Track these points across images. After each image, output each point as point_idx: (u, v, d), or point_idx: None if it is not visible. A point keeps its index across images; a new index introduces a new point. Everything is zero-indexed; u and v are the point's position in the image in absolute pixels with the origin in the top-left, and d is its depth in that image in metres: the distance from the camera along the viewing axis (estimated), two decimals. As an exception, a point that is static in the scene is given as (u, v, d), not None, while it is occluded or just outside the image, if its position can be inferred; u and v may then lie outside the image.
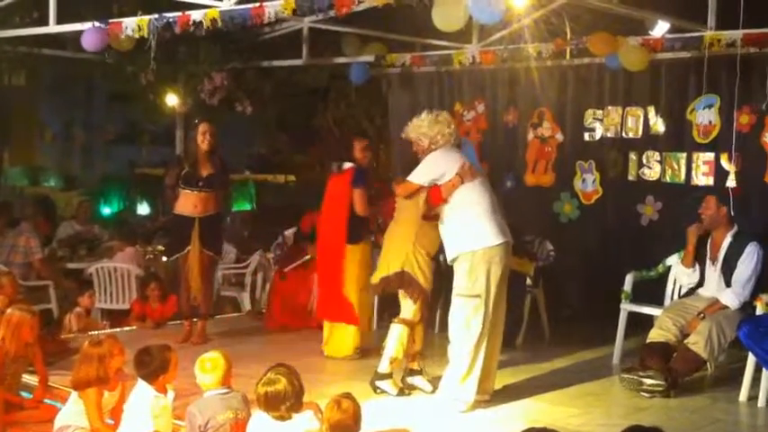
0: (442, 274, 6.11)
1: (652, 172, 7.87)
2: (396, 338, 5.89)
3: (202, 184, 7.11)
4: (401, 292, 5.93)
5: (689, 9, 7.36)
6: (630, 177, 8.01)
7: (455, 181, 5.57)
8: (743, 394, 5.92)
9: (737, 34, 6.77)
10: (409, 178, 5.73)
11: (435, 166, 5.64)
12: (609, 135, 8.16)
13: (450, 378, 5.57)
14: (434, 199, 5.66)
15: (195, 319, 7.34)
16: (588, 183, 8.30)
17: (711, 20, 7.10)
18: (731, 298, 6.14)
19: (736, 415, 5.77)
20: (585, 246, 8.27)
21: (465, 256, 5.50)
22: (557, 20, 7.87)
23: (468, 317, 5.48)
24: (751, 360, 5.88)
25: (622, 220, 8.11)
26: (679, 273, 6.67)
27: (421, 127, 5.76)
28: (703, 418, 5.61)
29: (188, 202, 7.13)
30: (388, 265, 5.95)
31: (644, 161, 7.92)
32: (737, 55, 6.41)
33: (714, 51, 6.99)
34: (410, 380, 6.03)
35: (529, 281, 7.43)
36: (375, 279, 6.10)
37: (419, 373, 6.04)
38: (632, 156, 7.99)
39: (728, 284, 6.21)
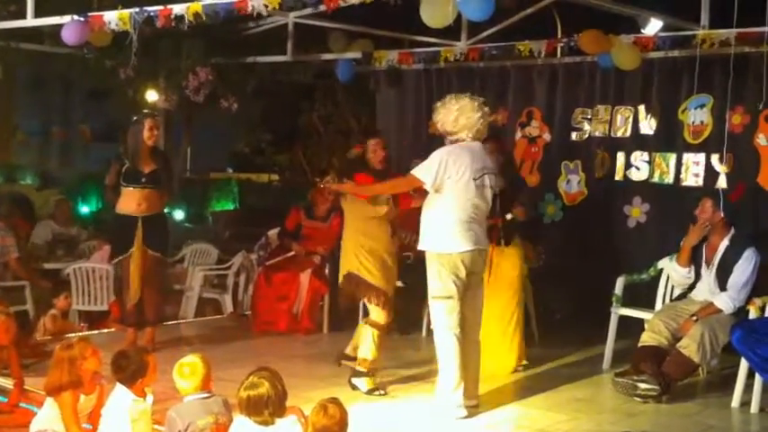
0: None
1: (639, 173, 7.78)
2: (368, 342, 5.95)
3: (146, 180, 6.80)
4: (362, 296, 5.99)
5: (682, 7, 7.32)
6: (617, 178, 7.92)
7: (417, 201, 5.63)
8: (735, 400, 5.86)
9: (731, 33, 6.70)
10: (414, 172, 5.52)
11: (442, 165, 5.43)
12: (597, 134, 8.06)
13: (444, 390, 5.50)
14: (404, 204, 5.83)
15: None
16: (573, 183, 8.21)
17: (705, 18, 7.05)
18: (726, 302, 6.06)
19: (728, 421, 5.72)
20: (571, 248, 8.17)
21: (432, 256, 5.49)
22: (547, 17, 7.80)
23: (446, 318, 5.46)
24: (743, 365, 5.81)
25: (608, 222, 8.00)
26: (673, 272, 6.55)
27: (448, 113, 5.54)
28: (695, 424, 5.56)
29: (131, 201, 6.81)
30: (340, 272, 6.06)
31: (632, 161, 7.82)
32: (731, 54, 6.32)
33: (708, 50, 6.90)
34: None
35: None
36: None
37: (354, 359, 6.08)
38: (620, 156, 7.90)
39: (723, 288, 6.13)
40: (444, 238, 5.45)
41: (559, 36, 7.96)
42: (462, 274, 5.45)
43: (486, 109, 5.59)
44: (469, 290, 5.56)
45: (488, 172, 5.55)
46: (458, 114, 5.47)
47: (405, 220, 6.43)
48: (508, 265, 6.64)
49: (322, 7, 6.44)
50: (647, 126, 7.76)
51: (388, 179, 5.89)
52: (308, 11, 8.33)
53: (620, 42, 7.29)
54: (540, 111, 8.40)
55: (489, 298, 6.42)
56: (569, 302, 8.11)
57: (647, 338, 6.15)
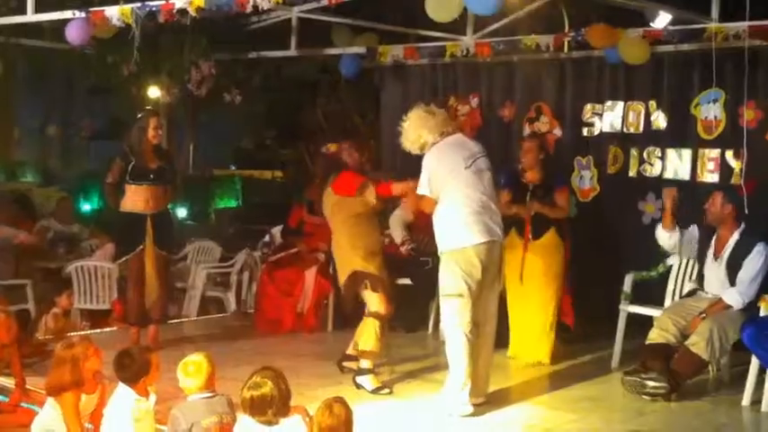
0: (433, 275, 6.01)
1: (653, 168, 7.69)
2: (370, 333, 5.95)
3: (154, 176, 6.77)
4: (364, 290, 6.01)
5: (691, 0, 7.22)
6: (631, 174, 7.82)
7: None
8: (746, 398, 5.80)
9: (743, 26, 6.59)
10: (419, 191, 5.59)
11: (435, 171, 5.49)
12: (608, 130, 7.96)
13: (451, 388, 5.46)
14: (383, 192, 5.93)
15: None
16: (585, 179, 8.12)
17: (715, 11, 6.95)
18: (735, 297, 5.99)
19: (739, 419, 5.68)
20: (584, 245, 8.06)
21: (447, 255, 5.46)
22: (555, 11, 7.71)
23: (457, 316, 5.41)
24: (754, 363, 5.75)
25: (622, 219, 7.90)
26: (659, 236, 6.50)
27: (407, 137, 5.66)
28: (705, 422, 5.51)
29: (139, 198, 6.77)
30: (341, 275, 6.11)
31: (645, 157, 7.73)
32: (745, 48, 6.23)
33: (719, 44, 6.79)
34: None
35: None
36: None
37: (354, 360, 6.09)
38: (633, 152, 7.80)
39: (732, 283, 6.06)
40: (456, 234, 5.41)
41: (567, 30, 7.84)
42: (477, 271, 5.39)
43: (432, 105, 5.72)
44: (485, 287, 5.49)
45: (479, 155, 5.55)
46: (407, 130, 5.60)
47: (421, 224, 6.43)
48: (540, 259, 6.63)
49: (325, 1, 6.38)
50: (660, 121, 7.68)
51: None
52: (313, 5, 8.27)
53: (629, 36, 7.20)
54: (549, 106, 8.31)
55: (524, 293, 6.56)
56: (579, 299, 8.03)
57: (655, 336, 6.08)
